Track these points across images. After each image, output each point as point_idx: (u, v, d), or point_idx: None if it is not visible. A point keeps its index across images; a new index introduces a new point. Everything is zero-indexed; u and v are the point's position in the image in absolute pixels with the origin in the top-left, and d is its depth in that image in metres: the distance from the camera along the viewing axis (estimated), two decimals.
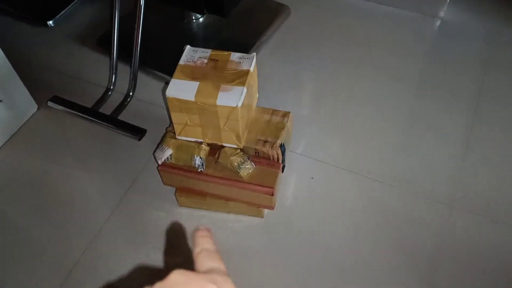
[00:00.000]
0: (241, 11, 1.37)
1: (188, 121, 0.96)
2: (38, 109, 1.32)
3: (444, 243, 1.03)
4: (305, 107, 1.29)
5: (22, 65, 1.27)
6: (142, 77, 1.32)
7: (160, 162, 1.01)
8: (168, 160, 1.01)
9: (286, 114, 1.05)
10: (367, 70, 1.36)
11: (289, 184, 1.13)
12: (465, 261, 1.01)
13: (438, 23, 1.49)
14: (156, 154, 1.02)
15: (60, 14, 1.55)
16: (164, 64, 1.35)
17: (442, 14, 1.51)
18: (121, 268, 1.01)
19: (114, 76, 1.23)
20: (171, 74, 1.33)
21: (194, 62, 0.96)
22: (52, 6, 1.59)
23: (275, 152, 1.00)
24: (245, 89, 0.91)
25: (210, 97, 0.90)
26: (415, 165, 1.16)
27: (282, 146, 1.01)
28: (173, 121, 0.98)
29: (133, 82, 1.21)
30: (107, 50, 1.43)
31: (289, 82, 1.35)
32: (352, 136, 1.22)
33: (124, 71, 1.32)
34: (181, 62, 0.96)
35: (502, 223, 1.05)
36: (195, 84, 0.92)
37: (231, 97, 0.90)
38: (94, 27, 1.54)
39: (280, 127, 1.02)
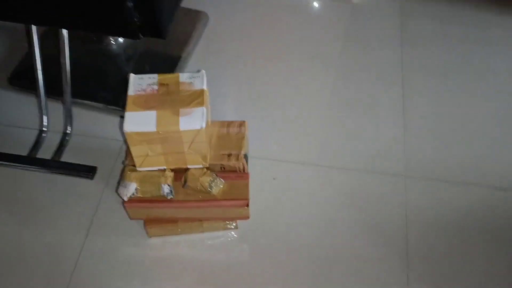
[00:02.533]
0: None
1: (149, 152, 0.92)
2: None
3: (408, 212, 1.10)
4: (247, 110, 1.29)
5: None
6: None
7: (126, 199, 0.96)
8: (133, 195, 0.96)
9: (242, 124, 1.04)
10: (297, 61, 1.40)
11: (254, 189, 1.13)
12: (431, 223, 1.09)
13: (351, 8, 1.55)
14: (119, 191, 0.97)
15: None
16: (92, 91, 1.27)
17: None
18: None
19: (46, 116, 1.14)
20: (102, 101, 1.28)
21: (144, 90, 0.92)
22: None
23: (241, 164, 0.99)
24: (205, 109, 0.89)
25: (172, 124, 0.87)
26: (364, 146, 1.22)
27: (245, 156, 1.01)
28: (133, 155, 0.93)
29: (69, 119, 1.13)
30: (22, 88, 1.32)
31: (225, 87, 1.34)
32: (301, 130, 1.25)
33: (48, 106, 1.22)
34: (130, 92, 0.92)
35: (453, 182, 1.15)
36: (152, 114, 0.88)
37: (193, 120, 0.88)
38: None
39: (240, 138, 1.02)
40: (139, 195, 0.96)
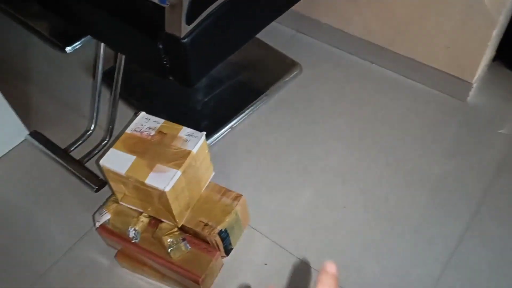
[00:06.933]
0: (253, 60, 1.40)
1: (126, 191, 0.92)
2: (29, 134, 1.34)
3: None
4: (282, 184, 1.20)
5: (27, 87, 1.28)
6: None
7: (97, 225, 0.98)
8: (106, 224, 0.97)
9: (237, 197, 0.97)
10: (365, 149, 1.25)
11: (240, 266, 1.05)
12: None
13: (460, 106, 1.33)
14: (95, 216, 0.99)
15: (78, 43, 1.59)
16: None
17: (468, 98, 1.35)
18: None
19: (96, 114, 1.24)
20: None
21: (141, 132, 0.92)
22: (72, 33, 1.63)
23: (213, 239, 0.93)
24: (178, 173, 0.85)
25: (140, 175, 0.85)
26: (385, 269, 1.03)
27: (222, 232, 0.94)
28: (113, 189, 0.94)
29: (110, 127, 1.20)
30: (109, 86, 1.44)
31: (277, 149, 1.27)
32: (323, 225, 1.12)
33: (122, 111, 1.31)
34: (128, 130, 0.93)
35: None
36: (131, 158, 0.88)
37: (161, 179, 0.85)
38: (104, 60, 1.55)
39: (227, 211, 0.95)
40: (110, 227, 0.97)
